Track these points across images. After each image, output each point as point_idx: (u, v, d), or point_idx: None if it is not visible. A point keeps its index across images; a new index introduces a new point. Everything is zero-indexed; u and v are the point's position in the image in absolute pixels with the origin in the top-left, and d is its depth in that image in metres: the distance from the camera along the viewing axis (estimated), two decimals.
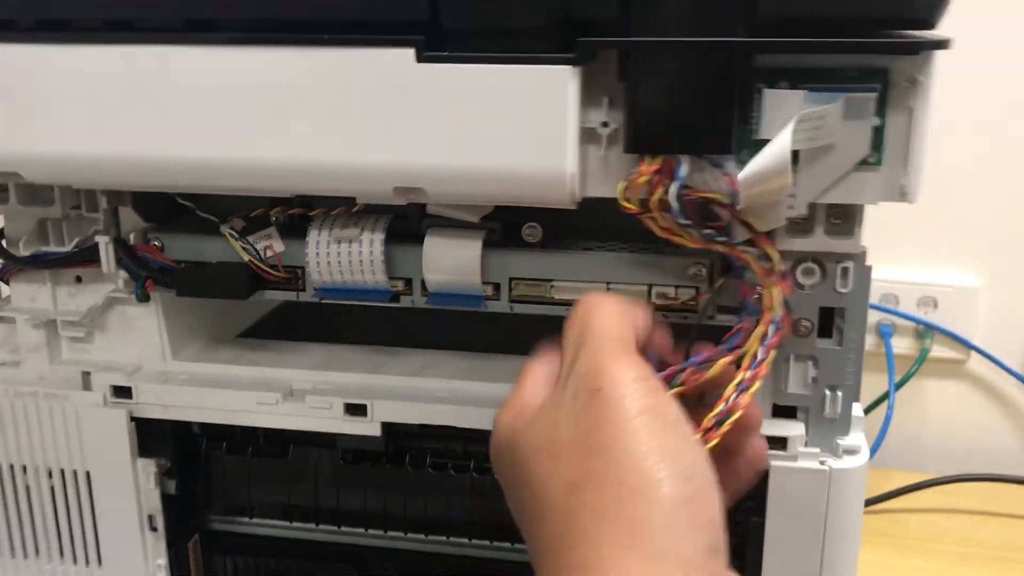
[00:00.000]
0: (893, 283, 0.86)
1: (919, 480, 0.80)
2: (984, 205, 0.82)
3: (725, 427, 0.37)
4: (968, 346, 0.85)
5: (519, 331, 0.45)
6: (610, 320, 0.37)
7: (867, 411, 0.80)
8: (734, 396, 0.37)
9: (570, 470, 0.34)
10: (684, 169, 0.38)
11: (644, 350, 0.38)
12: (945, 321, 0.85)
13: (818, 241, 0.42)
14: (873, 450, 0.80)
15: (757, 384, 0.38)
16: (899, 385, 0.85)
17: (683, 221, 0.38)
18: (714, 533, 0.33)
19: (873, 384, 0.84)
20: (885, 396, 0.84)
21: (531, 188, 0.39)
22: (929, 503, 0.80)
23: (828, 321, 0.44)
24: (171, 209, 0.49)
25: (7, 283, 0.52)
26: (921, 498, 0.80)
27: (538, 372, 0.40)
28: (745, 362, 0.38)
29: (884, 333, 0.86)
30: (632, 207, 0.39)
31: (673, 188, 0.37)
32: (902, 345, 0.87)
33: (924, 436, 0.89)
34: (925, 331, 0.86)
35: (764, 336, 0.38)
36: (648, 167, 0.38)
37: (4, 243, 0.50)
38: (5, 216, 0.50)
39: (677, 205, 0.38)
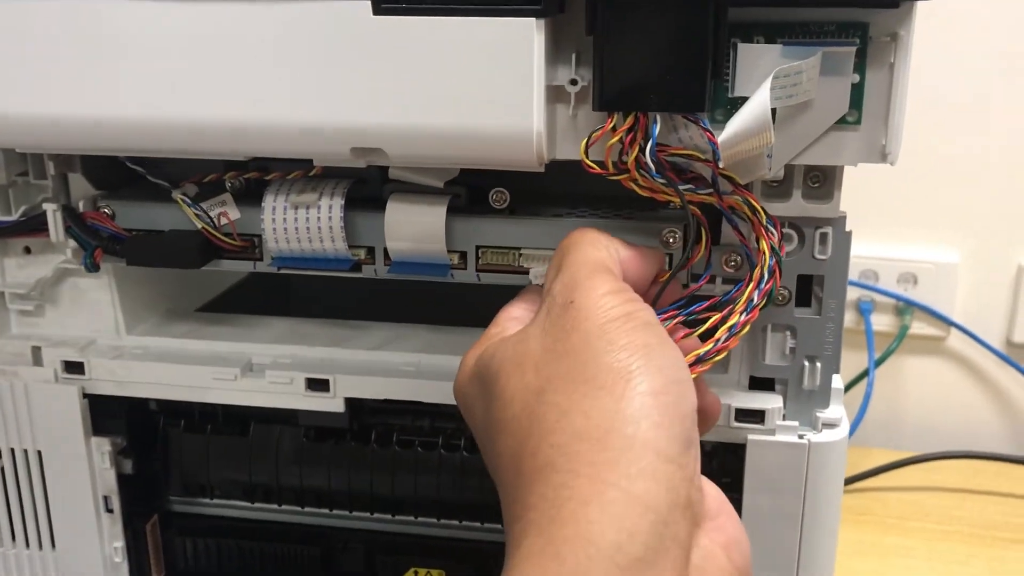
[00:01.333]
0: (873, 259, 0.85)
1: (899, 458, 0.79)
2: (964, 181, 0.81)
3: (707, 365, 0.36)
4: (948, 323, 0.85)
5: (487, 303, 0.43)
6: (590, 248, 0.36)
7: (847, 389, 0.79)
8: (724, 338, 0.36)
9: (537, 378, 0.32)
10: (657, 128, 0.36)
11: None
12: (925, 298, 0.84)
13: (795, 205, 0.41)
14: (853, 428, 0.79)
15: (747, 329, 0.37)
16: (879, 362, 0.85)
17: (661, 180, 0.37)
18: (690, 427, 0.31)
19: (853, 361, 0.84)
20: (865, 374, 0.83)
21: (496, 149, 0.38)
22: (909, 481, 0.79)
23: (806, 290, 0.43)
24: (123, 176, 0.47)
25: None
26: (901, 476, 0.79)
27: (513, 312, 0.38)
28: (739, 306, 0.37)
29: (864, 310, 0.85)
30: (595, 167, 0.37)
31: (648, 147, 0.36)
32: (882, 322, 0.86)
33: (904, 414, 0.89)
34: (905, 308, 0.85)
35: (760, 281, 0.38)
36: (620, 126, 0.36)
37: None
38: None
39: (653, 164, 0.36)
